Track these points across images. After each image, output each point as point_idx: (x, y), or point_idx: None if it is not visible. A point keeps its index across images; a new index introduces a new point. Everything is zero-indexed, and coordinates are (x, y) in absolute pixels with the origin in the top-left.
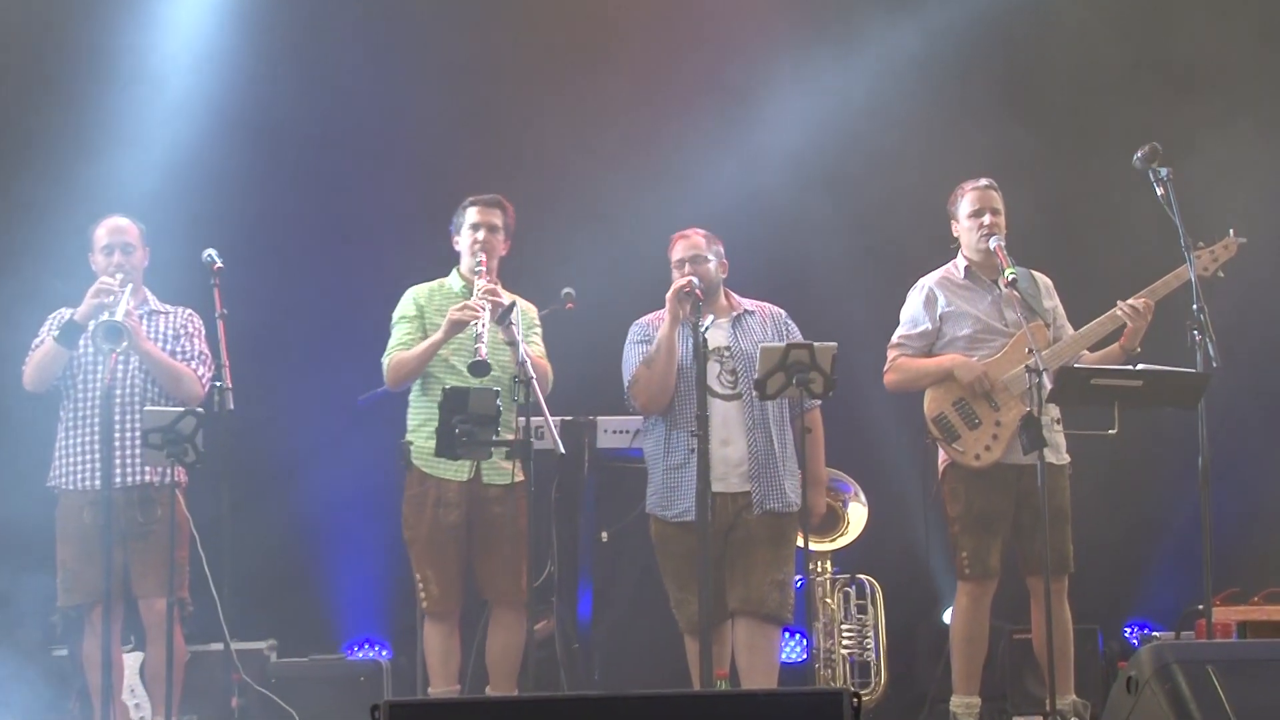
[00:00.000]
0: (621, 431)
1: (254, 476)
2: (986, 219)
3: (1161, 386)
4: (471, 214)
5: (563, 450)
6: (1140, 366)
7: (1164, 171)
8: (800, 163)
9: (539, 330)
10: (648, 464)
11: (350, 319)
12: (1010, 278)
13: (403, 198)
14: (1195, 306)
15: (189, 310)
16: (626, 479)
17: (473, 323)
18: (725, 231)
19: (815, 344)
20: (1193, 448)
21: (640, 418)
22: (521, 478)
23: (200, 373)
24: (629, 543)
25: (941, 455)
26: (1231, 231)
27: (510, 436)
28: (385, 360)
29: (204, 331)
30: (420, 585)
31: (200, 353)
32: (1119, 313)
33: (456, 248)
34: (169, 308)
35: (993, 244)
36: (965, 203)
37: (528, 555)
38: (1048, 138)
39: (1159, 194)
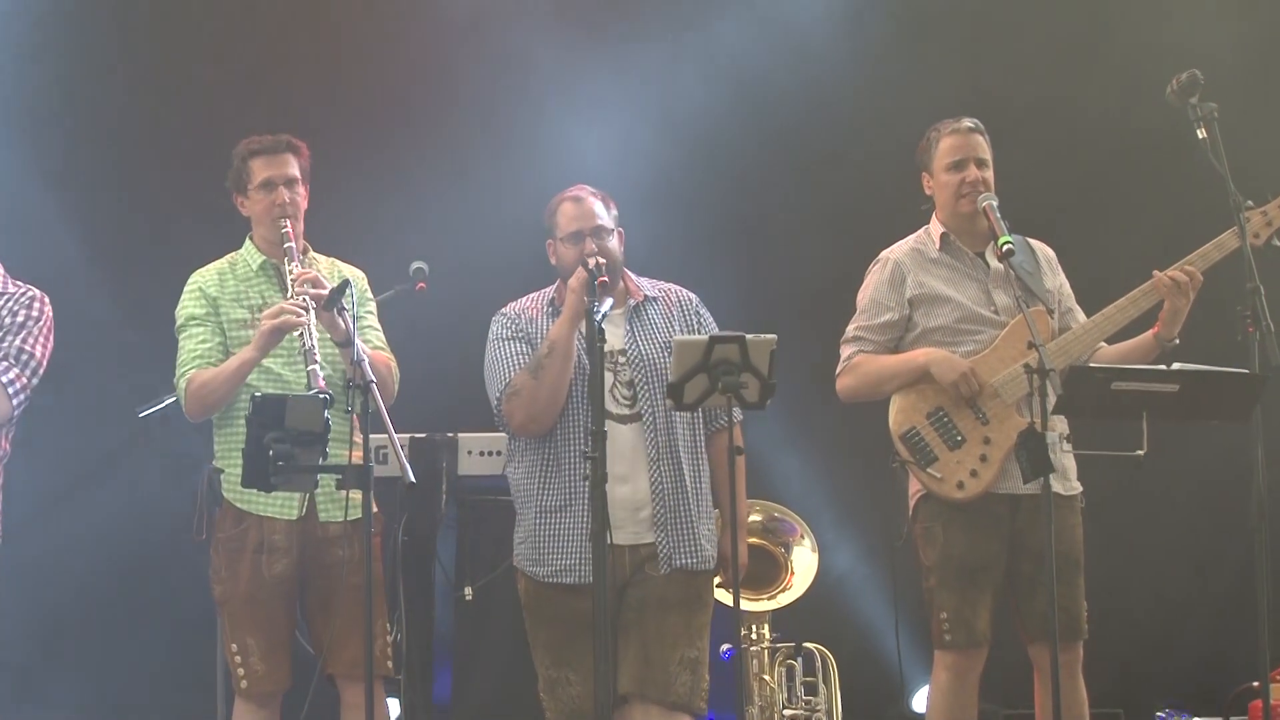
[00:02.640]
0: (490, 453)
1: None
2: (970, 173)
3: (1204, 393)
4: (258, 168)
5: (413, 478)
6: (1176, 366)
7: (1207, 108)
8: (720, 102)
9: (372, 307)
10: (515, 501)
11: (128, 310)
12: (1005, 248)
13: (185, 153)
14: (1249, 286)
15: (34, 293)
16: (498, 516)
17: (298, 332)
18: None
19: (748, 336)
20: (1245, 473)
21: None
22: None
23: (9, 379)
24: (500, 602)
25: (913, 484)
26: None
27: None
28: (180, 382)
29: (45, 323)
30: (236, 658)
31: (19, 351)
32: (1159, 286)
33: (243, 211)
34: (14, 288)
35: (981, 204)
36: (941, 151)
37: (385, 611)
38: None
39: (1200, 136)
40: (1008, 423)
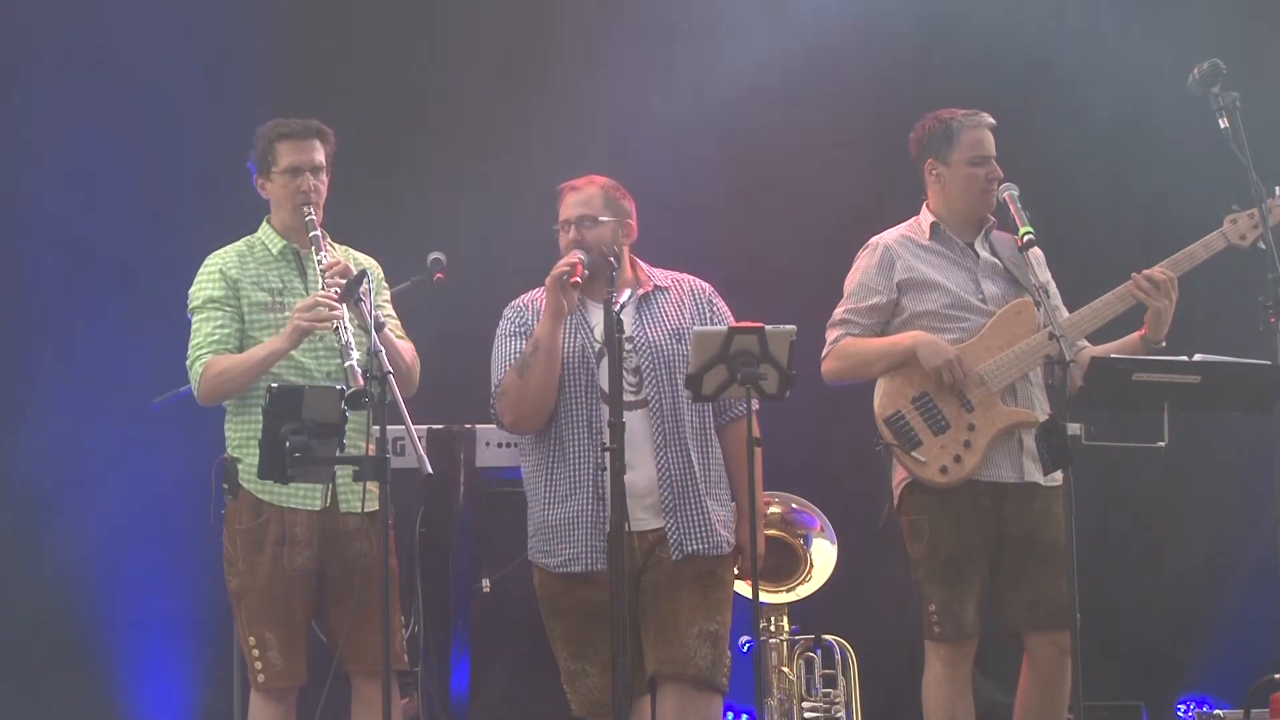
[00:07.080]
0: (508, 445)
1: (12, 508)
2: (993, 169)
3: (1227, 384)
4: (284, 152)
5: (430, 470)
6: (1198, 358)
7: (1229, 97)
8: (745, 97)
9: (388, 295)
10: (527, 494)
11: (143, 295)
12: (1026, 238)
13: (210, 137)
14: (1271, 278)
15: None
16: (515, 508)
17: (333, 326)
18: (643, 182)
19: (767, 327)
20: (1266, 464)
21: None
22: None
23: None
24: (518, 593)
25: (898, 472)
26: (1278, 189)
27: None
28: (196, 365)
29: None
30: (254, 652)
31: None
32: (1137, 287)
33: (263, 193)
34: None
35: (1002, 194)
36: (965, 143)
37: (399, 605)
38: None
39: (1222, 126)
40: (992, 410)
